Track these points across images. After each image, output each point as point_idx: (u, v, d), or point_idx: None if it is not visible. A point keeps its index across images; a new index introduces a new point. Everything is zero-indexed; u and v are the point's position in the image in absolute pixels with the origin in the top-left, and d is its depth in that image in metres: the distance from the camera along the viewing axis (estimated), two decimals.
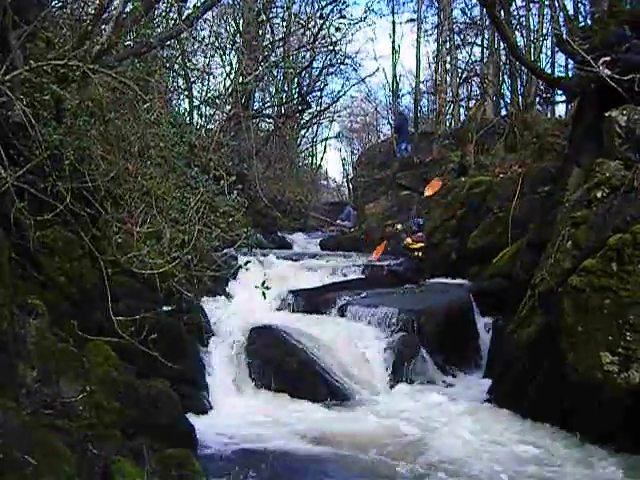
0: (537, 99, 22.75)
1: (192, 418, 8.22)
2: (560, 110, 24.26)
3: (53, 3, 10.16)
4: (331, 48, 26.71)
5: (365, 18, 25.87)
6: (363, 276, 16.40)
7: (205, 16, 15.19)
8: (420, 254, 15.44)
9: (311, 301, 13.98)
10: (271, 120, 31.25)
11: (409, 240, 15.32)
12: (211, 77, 20.05)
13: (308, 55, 29.28)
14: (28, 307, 6.46)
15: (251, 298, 10.88)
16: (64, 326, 6.95)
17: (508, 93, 25.13)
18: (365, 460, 7.84)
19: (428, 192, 15.15)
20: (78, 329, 7.04)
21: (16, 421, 4.95)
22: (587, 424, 8.25)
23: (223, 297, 13.74)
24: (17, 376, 5.75)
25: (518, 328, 10.05)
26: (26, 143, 6.77)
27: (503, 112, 25.00)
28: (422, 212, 20.63)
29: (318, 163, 43.52)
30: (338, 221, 28.72)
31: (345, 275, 16.46)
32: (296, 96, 30.86)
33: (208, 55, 20.97)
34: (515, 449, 8.15)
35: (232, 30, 24.58)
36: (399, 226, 15.89)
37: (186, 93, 18.46)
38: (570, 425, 8.46)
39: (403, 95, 33.24)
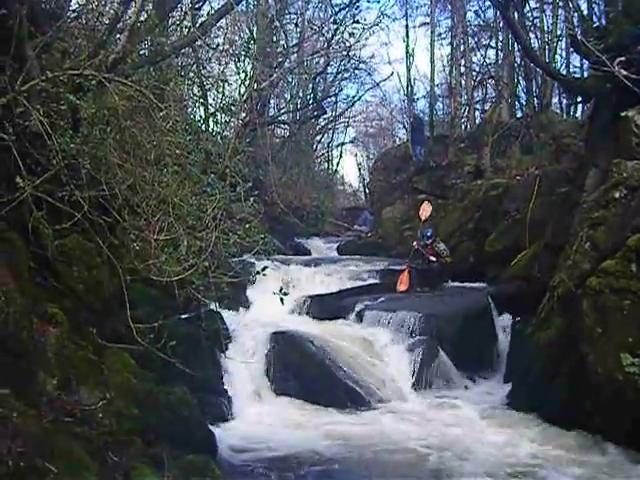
0: (557, 100, 22.66)
1: (212, 425, 8.23)
2: (579, 111, 24.14)
3: (68, 14, 10.22)
4: (345, 53, 26.74)
5: (379, 23, 25.96)
6: (381, 281, 16.37)
7: (219, 23, 15.22)
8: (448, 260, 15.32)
9: (329, 306, 13.98)
10: (286, 126, 31.30)
11: (432, 259, 15.23)
12: (226, 84, 20.04)
13: (322, 60, 29.34)
14: (47, 316, 6.49)
15: (269, 304, 10.87)
16: (83, 334, 6.97)
17: (523, 95, 25.06)
18: (386, 465, 7.83)
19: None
20: (97, 337, 7.07)
21: (37, 429, 4.97)
22: (609, 426, 8.18)
23: (241, 303, 13.77)
24: (37, 384, 5.78)
25: (537, 330, 10.01)
26: (43, 152, 6.81)
27: (519, 114, 24.90)
28: (437, 217, 20.58)
29: (334, 168, 43.51)
30: (355, 226, 28.70)
31: (363, 280, 16.44)
32: (311, 102, 30.89)
33: (223, 62, 20.99)
34: (536, 452, 8.11)
35: (246, 37, 24.63)
36: (414, 243, 15.81)
37: (201, 101, 18.50)
38: (592, 427, 8.39)
39: (418, 99, 33.04)
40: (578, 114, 23.47)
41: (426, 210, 16.32)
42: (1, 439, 4.39)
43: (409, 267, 15.59)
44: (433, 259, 15.36)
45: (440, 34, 29.53)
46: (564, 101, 24.77)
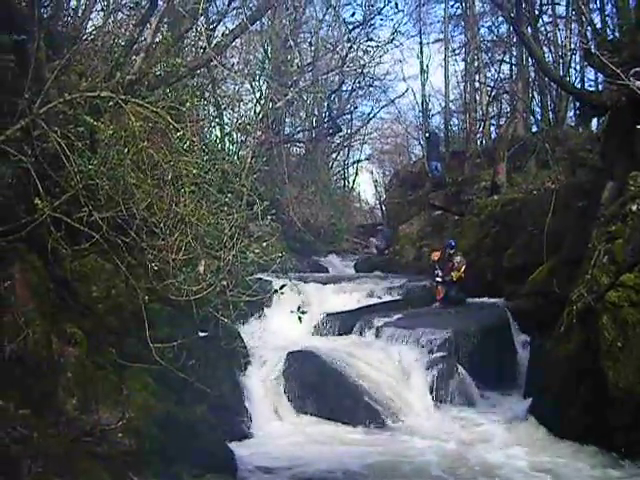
0: (572, 113, 22.62)
1: (232, 444, 8.23)
2: (594, 124, 24.08)
3: (85, 36, 10.33)
4: (360, 71, 26.81)
5: (392, 40, 25.96)
6: (399, 297, 16.35)
7: (234, 43, 15.32)
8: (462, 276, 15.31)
9: (347, 324, 13.98)
10: (302, 144, 31.36)
11: (453, 274, 15.24)
12: (241, 104, 20.16)
13: (337, 78, 29.39)
14: (67, 336, 6.53)
15: (287, 322, 10.89)
16: (102, 354, 7.01)
17: (538, 109, 25.04)
18: None
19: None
20: (116, 356, 7.09)
21: (57, 448, 4.99)
22: (630, 442, 8.10)
23: (260, 322, 13.77)
24: (57, 404, 5.81)
25: (556, 345, 9.94)
26: (62, 174, 6.87)
27: (534, 129, 24.87)
28: (455, 232, 20.53)
29: (350, 186, 43.50)
30: (373, 241, 28.64)
31: (380, 297, 16.42)
32: (326, 120, 30.95)
33: (238, 82, 21.14)
34: (557, 470, 8.05)
35: (260, 56, 24.75)
36: (435, 258, 15.83)
37: (217, 120, 18.58)
38: (614, 443, 8.30)
39: (433, 115, 33.04)
40: (593, 127, 23.41)
41: (436, 255, 16.26)
42: (22, 459, 4.41)
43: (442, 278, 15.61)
44: (439, 279, 15.43)
45: (454, 50, 29.62)
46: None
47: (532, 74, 24.35)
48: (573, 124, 23.71)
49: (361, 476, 7.97)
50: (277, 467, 8.17)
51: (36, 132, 6.83)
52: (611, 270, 8.96)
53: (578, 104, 21.73)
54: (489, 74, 28.15)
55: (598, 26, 16.97)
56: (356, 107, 35.38)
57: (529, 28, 13.84)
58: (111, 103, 7.25)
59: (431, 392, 11.19)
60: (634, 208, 9.17)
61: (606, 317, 8.48)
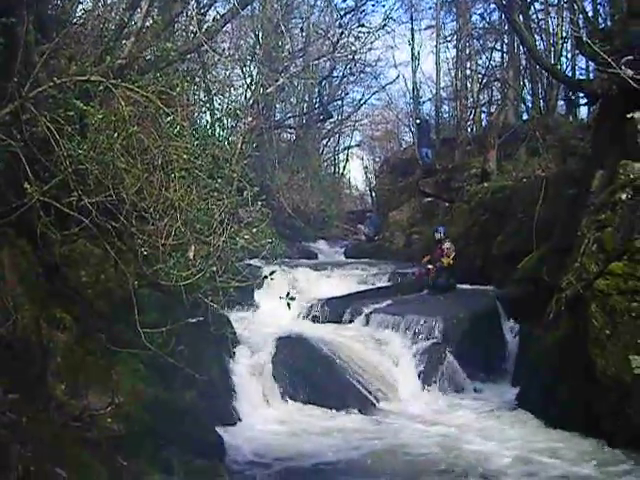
0: (559, 102, 22.63)
1: (220, 429, 8.24)
2: (582, 113, 24.10)
3: (75, 20, 10.25)
4: (351, 57, 26.71)
5: (384, 26, 25.85)
6: (389, 284, 16.38)
7: (225, 28, 15.25)
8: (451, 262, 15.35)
9: (337, 310, 14.00)
10: (293, 130, 31.32)
11: (443, 260, 15.26)
12: (232, 89, 20.13)
13: (328, 64, 29.33)
14: (56, 321, 6.52)
15: (277, 308, 10.87)
16: (92, 339, 6.99)
17: (529, 97, 25.04)
18: (395, 468, 7.82)
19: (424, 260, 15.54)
20: (106, 342, 7.08)
21: (46, 433, 4.99)
22: (617, 429, 8.16)
23: (249, 307, 13.79)
24: (46, 389, 5.80)
25: (545, 333, 10.00)
26: (51, 158, 6.83)
27: (525, 116, 24.89)
28: (445, 219, 20.58)
29: (341, 172, 43.49)
30: (361, 228, 28.68)
31: (370, 283, 16.46)
32: (317, 106, 30.89)
33: (228, 67, 21.05)
34: (544, 456, 8.07)
35: (252, 42, 24.67)
36: (426, 260, 15.96)
37: (208, 105, 18.52)
38: (600, 430, 8.37)
39: (424, 102, 32.93)
40: (584, 116, 23.44)
41: (427, 258, 16.26)
42: (11, 444, 4.41)
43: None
44: (430, 266, 15.48)
45: (445, 37, 29.54)
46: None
47: (523, 62, 24.33)
48: (564, 112, 23.73)
49: (349, 462, 7.99)
50: (265, 453, 8.19)
51: (25, 116, 6.78)
52: (600, 258, 9.00)
53: (565, 93, 21.83)
54: (480, 61, 28.15)
55: (590, 14, 16.97)
56: (347, 93, 35.42)
57: (521, 16, 13.79)
58: (101, 87, 7.21)
59: (420, 378, 11.24)
60: (624, 197, 9.20)
61: (595, 305, 8.52)
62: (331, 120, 34.31)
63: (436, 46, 28.81)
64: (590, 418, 8.50)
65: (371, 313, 13.31)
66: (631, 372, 7.87)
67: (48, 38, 7.90)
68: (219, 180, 8.20)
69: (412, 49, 30.29)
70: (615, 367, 8.10)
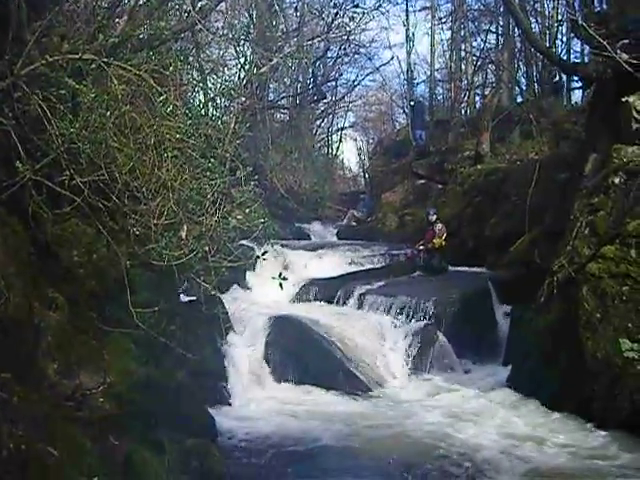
0: (547, 86, 22.60)
1: (212, 409, 8.26)
2: (576, 97, 24.08)
3: None
4: (345, 37, 26.62)
5: (379, 7, 25.82)
6: (381, 265, 16.41)
7: (218, 7, 15.18)
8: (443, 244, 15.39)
9: (329, 291, 14.03)
10: (286, 111, 31.21)
11: (435, 241, 15.31)
12: (225, 69, 19.99)
13: (322, 45, 29.18)
14: (48, 300, 6.50)
15: (269, 289, 10.90)
16: (84, 318, 6.98)
17: (524, 80, 25.02)
18: (386, 448, 7.85)
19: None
20: (98, 321, 7.07)
21: (38, 413, 4.98)
22: (606, 411, 8.20)
23: (241, 288, 13.79)
24: (38, 368, 5.80)
25: (537, 315, 10.03)
26: (43, 137, 6.79)
27: (519, 99, 24.86)
28: (438, 201, 20.58)
29: (334, 153, 43.38)
30: (352, 211, 28.69)
31: (363, 265, 16.48)
32: (311, 86, 30.78)
33: (222, 47, 20.95)
34: (534, 437, 8.13)
35: (245, 21, 24.51)
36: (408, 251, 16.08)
37: (201, 85, 18.42)
38: (589, 412, 8.42)
39: (418, 83, 32.84)
40: (578, 99, 23.43)
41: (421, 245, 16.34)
42: (2, 423, 4.41)
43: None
44: (421, 246, 15.53)
45: (440, 18, 29.45)
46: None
47: (518, 44, 24.30)
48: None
49: (341, 443, 8.01)
50: (256, 433, 8.22)
51: (17, 94, 6.73)
52: (592, 242, 9.03)
53: (556, 76, 21.81)
54: (475, 43, 28.12)
55: None
56: (341, 74, 35.23)
57: None
58: (93, 66, 7.16)
59: (412, 359, 11.28)
60: (616, 181, 9.21)
61: (586, 288, 8.55)
62: (325, 101, 34.17)
63: (431, 28, 28.73)
64: (581, 400, 8.55)
65: (364, 294, 13.32)
66: (621, 355, 7.91)
67: (40, 16, 7.83)
68: (212, 160, 8.16)
69: (407, 30, 30.19)
70: (606, 350, 8.14)
